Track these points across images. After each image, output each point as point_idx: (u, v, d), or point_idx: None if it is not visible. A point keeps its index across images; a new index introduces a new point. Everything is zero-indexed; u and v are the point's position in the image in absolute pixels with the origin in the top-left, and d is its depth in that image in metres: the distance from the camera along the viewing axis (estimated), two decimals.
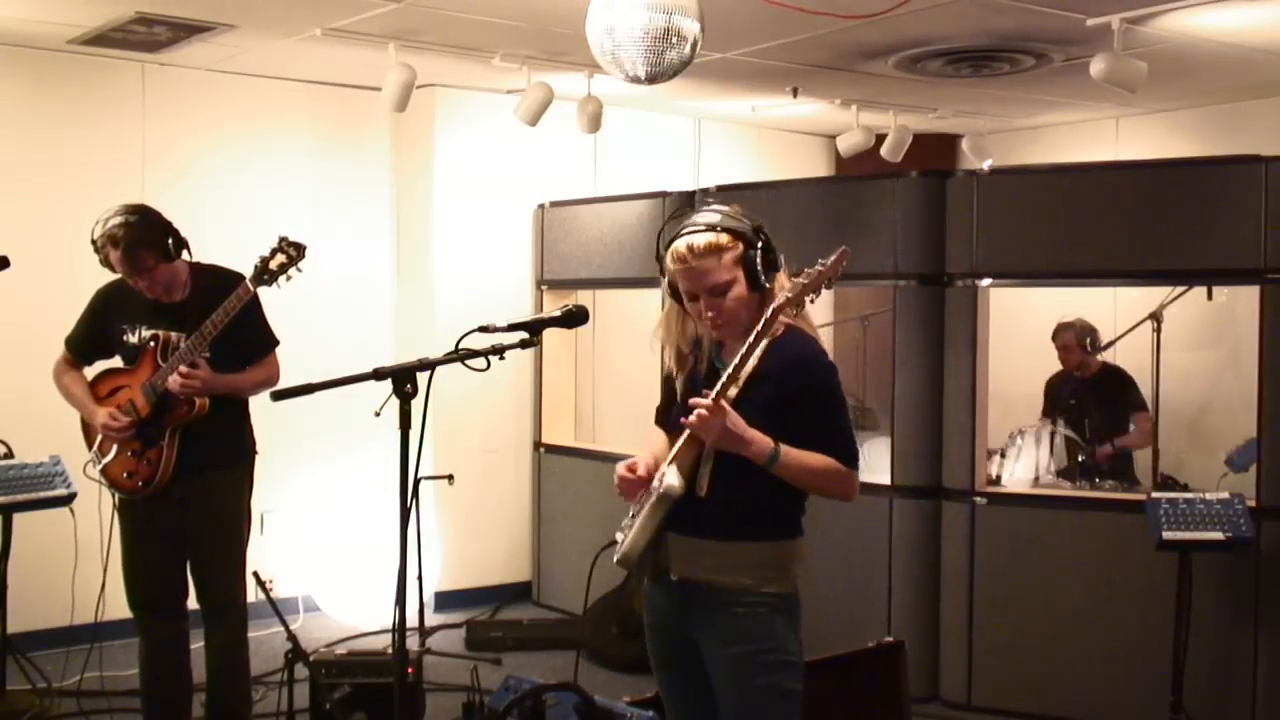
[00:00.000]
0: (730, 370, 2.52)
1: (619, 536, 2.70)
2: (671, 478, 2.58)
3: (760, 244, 2.61)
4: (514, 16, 4.94)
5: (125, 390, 3.89)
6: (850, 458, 2.62)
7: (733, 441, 2.52)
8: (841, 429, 2.64)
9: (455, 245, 6.42)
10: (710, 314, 2.61)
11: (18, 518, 4.56)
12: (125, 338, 3.92)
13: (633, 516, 2.68)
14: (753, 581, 2.60)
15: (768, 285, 2.60)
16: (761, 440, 2.53)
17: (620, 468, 2.72)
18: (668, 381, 2.84)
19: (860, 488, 2.69)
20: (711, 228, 2.60)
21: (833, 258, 2.50)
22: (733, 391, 2.54)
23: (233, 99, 6.06)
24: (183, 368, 3.72)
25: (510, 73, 5.82)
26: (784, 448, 2.53)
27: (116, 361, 4.00)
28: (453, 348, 2.71)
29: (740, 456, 2.54)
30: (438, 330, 6.22)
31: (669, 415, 2.82)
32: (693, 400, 2.53)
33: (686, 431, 2.58)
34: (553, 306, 6.00)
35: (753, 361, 2.54)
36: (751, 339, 2.51)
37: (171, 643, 4.02)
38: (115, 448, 3.90)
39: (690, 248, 2.59)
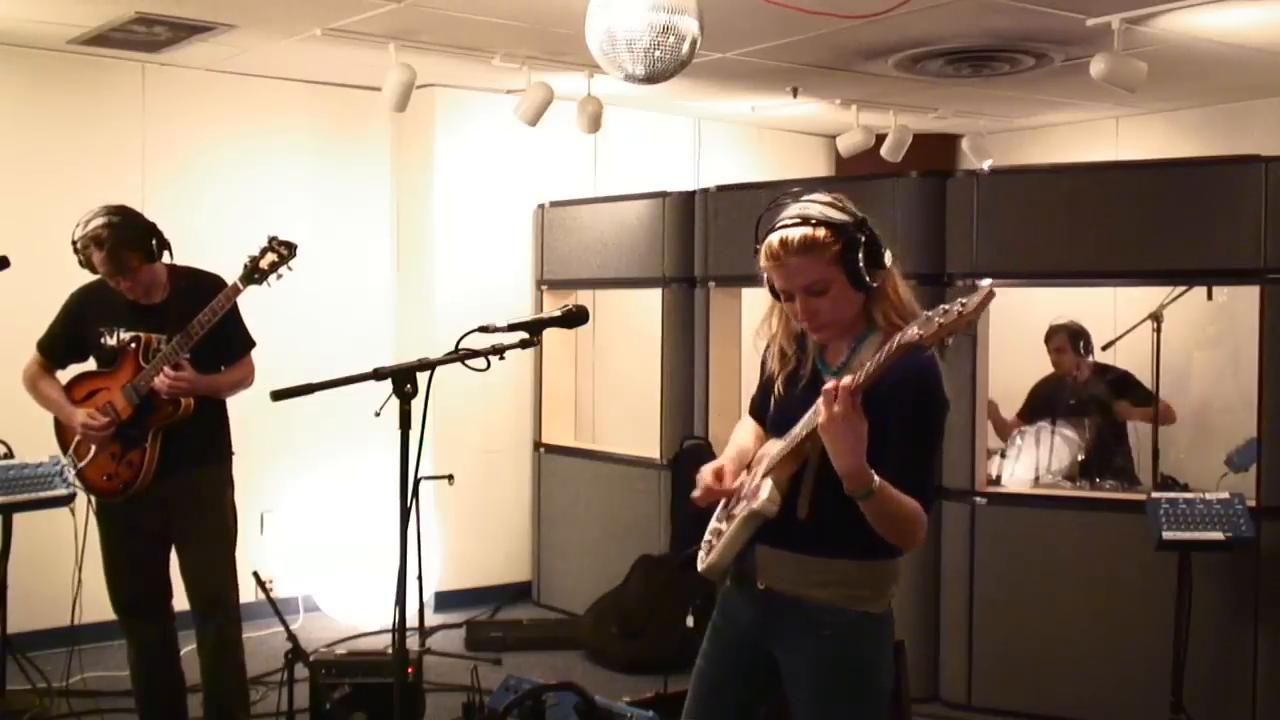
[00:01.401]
0: (860, 378, 2.19)
1: (709, 539, 2.51)
2: (766, 495, 2.34)
3: (864, 239, 2.36)
4: (514, 16, 4.94)
5: (103, 393, 3.87)
6: (930, 501, 2.37)
7: (847, 450, 2.21)
8: (928, 467, 2.41)
9: (455, 245, 6.42)
10: (805, 315, 2.40)
11: (18, 518, 4.56)
12: (103, 340, 3.90)
13: (717, 520, 2.53)
14: (846, 600, 2.41)
15: (874, 284, 2.37)
16: (867, 467, 2.23)
17: (707, 474, 2.52)
18: (764, 371, 2.65)
19: None
20: (808, 221, 2.36)
21: (977, 299, 2.06)
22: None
23: (233, 99, 6.06)
24: (168, 369, 3.72)
25: (510, 73, 5.82)
26: (882, 483, 2.25)
27: (90, 365, 3.98)
28: (453, 348, 2.70)
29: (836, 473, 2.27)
30: (438, 330, 6.22)
31: (763, 409, 2.64)
32: (831, 381, 2.21)
33: (788, 439, 2.38)
34: (553, 306, 6.01)
35: (872, 369, 2.21)
36: (872, 369, 2.18)
37: (159, 645, 4.02)
38: (93, 450, 3.88)
39: (784, 242, 2.36)
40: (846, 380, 2.19)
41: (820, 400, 2.23)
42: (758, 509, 2.35)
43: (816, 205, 2.39)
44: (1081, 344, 6.03)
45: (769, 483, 2.36)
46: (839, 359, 2.45)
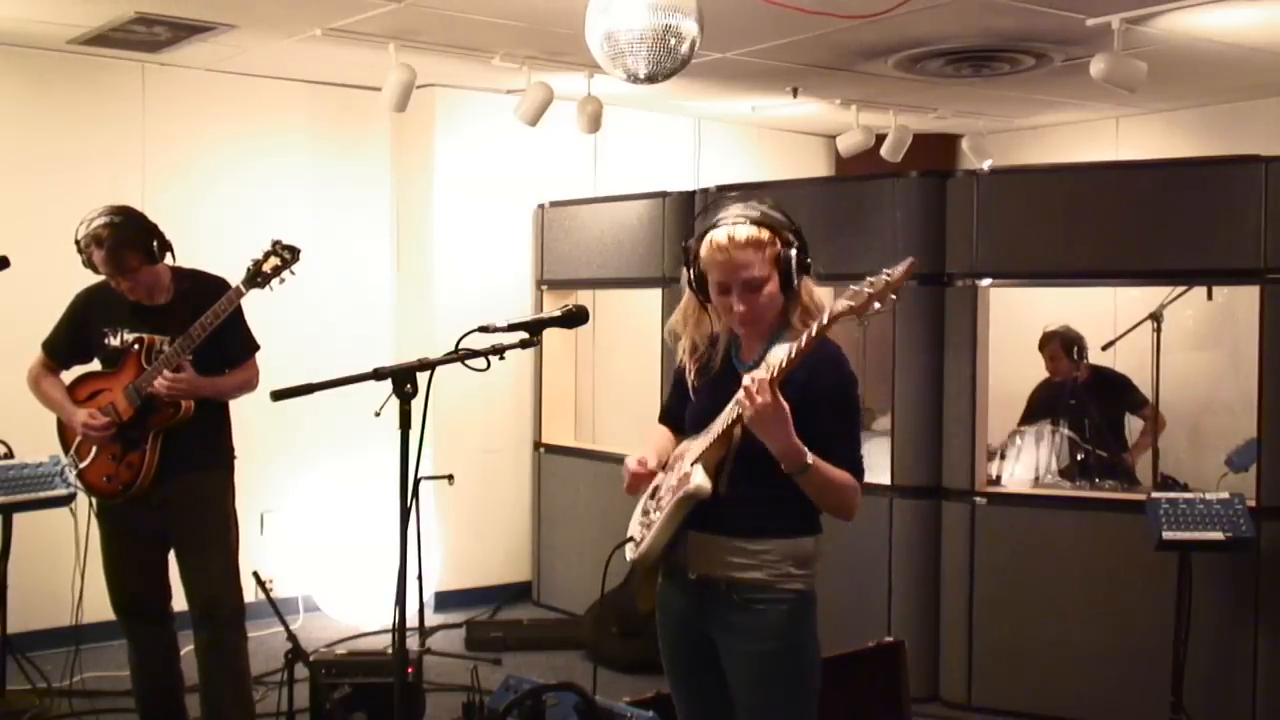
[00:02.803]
0: (777, 368, 2.40)
1: (635, 534, 2.66)
2: (699, 478, 2.51)
3: (797, 245, 2.56)
4: (514, 16, 4.94)
5: (105, 393, 3.87)
6: (860, 472, 2.58)
7: (779, 434, 2.42)
8: (855, 440, 2.60)
9: (455, 245, 6.42)
10: (741, 308, 2.54)
11: (18, 518, 4.56)
12: (106, 341, 3.90)
13: (644, 514, 2.65)
14: (773, 579, 2.56)
15: (796, 286, 2.55)
16: (799, 445, 2.44)
17: (631, 462, 2.68)
18: (679, 379, 2.80)
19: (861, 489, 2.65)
20: (754, 221, 2.54)
21: (901, 267, 2.31)
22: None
23: (233, 99, 6.06)
24: (168, 371, 3.72)
25: (510, 73, 5.82)
26: (816, 459, 2.46)
27: (94, 366, 3.98)
28: (453, 348, 2.70)
29: (761, 454, 2.46)
30: (438, 330, 6.22)
31: (677, 413, 2.78)
32: (752, 375, 2.41)
33: (712, 431, 2.54)
34: (553, 306, 6.00)
35: (787, 361, 2.42)
36: (802, 344, 2.38)
37: (158, 647, 4.02)
38: (94, 451, 3.88)
39: (731, 238, 2.52)
40: (761, 373, 2.40)
41: (741, 393, 2.42)
42: (691, 490, 2.51)
43: (755, 209, 2.57)
44: (1075, 350, 6.02)
45: (699, 467, 2.52)
46: (753, 354, 2.61)
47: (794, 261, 2.54)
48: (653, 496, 2.69)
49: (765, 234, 2.53)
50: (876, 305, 2.32)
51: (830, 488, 2.51)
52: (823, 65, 5.80)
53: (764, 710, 2.59)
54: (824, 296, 2.62)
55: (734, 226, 2.54)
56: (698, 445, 2.59)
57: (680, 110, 7.13)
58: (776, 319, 2.58)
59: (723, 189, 5.70)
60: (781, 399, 2.40)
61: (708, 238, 2.57)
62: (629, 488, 2.70)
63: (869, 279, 2.32)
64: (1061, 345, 6.04)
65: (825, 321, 2.37)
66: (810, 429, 2.47)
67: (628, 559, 2.67)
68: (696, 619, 2.66)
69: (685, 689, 2.78)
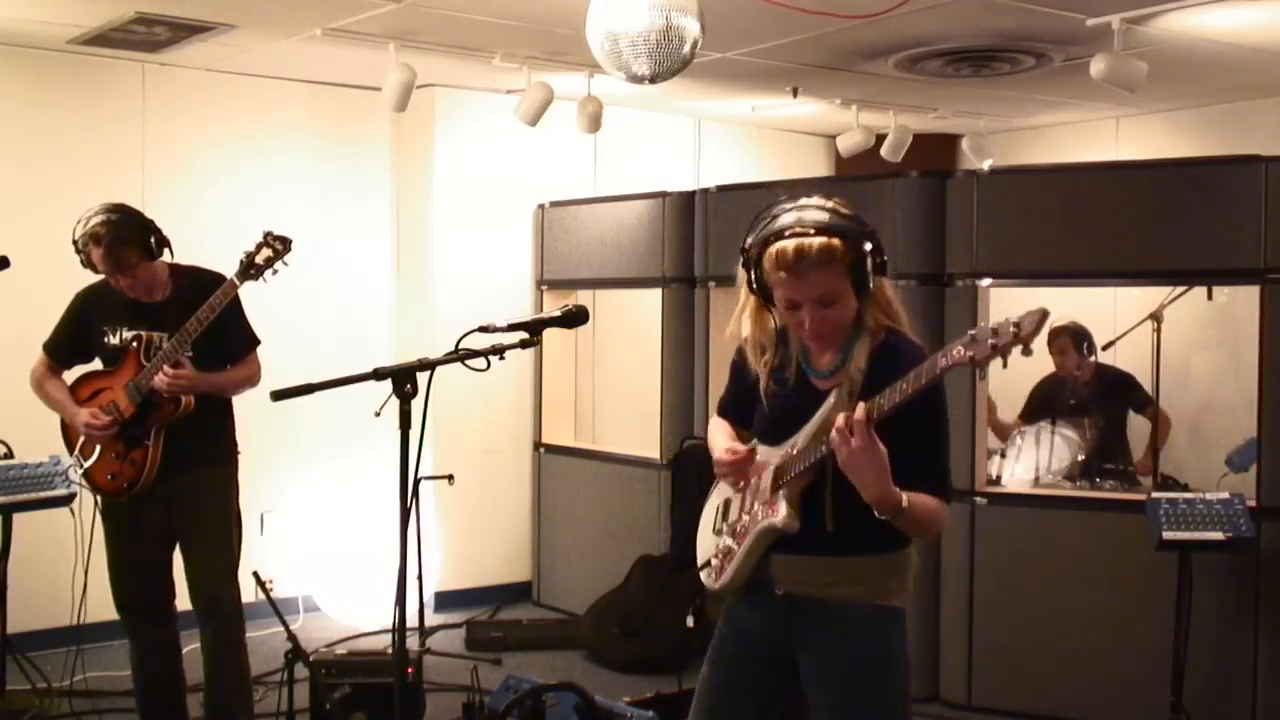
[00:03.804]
0: (876, 409, 2.21)
1: (712, 560, 2.53)
2: (785, 515, 2.36)
3: (871, 245, 2.35)
4: (514, 16, 4.94)
5: (107, 392, 3.87)
6: (949, 491, 2.41)
7: (873, 481, 2.22)
8: (945, 457, 2.43)
9: (455, 245, 6.42)
10: (813, 326, 2.35)
11: (18, 518, 4.56)
12: (106, 339, 3.90)
13: (716, 533, 2.53)
14: (871, 595, 2.41)
15: (872, 289, 2.36)
16: (895, 492, 2.24)
17: (722, 452, 2.53)
18: (738, 375, 2.64)
19: None
20: (824, 230, 2.30)
21: (1033, 321, 2.03)
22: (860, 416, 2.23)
23: (233, 99, 6.06)
24: (168, 367, 3.72)
25: (510, 73, 5.82)
26: (910, 498, 2.27)
27: (96, 365, 3.98)
28: (453, 348, 2.70)
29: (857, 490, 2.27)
30: (438, 330, 6.22)
31: (735, 410, 2.67)
32: (844, 418, 2.22)
33: (795, 455, 2.38)
34: (553, 306, 6.01)
35: (897, 398, 2.21)
36: (907, 387, 2.17)
37: (161, 645, 4.02)
38: (98, 450, 3.88)
39: (802, 254, 2.29)
40: (859, 414, 2.20)
41: (835, 434, 2.23)
42: (780, 526, 2.36)
43: (824, 213, 2.34)
44: (1085, 345, 6.04)
45: (784, 503, 2.37)
46: (828, 362, 2.44)
47: (868, 268, 2.33)
48: (725, 515, 2.56)
49: (838, 242, 2.30)
50: (1000, 361, 2.09)
51: (922, 523, 2.34)
52: (823, 65, 5.80)
53: None
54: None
55: (803, 239, 2.29)
56: (776, 463, 2.43)
57: (680, 110, 7.13)
58: (851, 324, 2.40)
59: (723, 189, 5.70)
60: (879, 442, 2.20)
61: (773, 248, 2.33)
62: (723, 475, 2.55)
63: (988, 325, 2.08)
64: (1072, 340, 6.05)
65: (940, 369, 2.14)
66: (899, 448, 2.26)
67: (707, 588, 2.55)
68: (779, 638, 2.49)
69: (730, 705, 2.57)
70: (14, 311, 5.26)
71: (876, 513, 2.26)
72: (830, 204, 2.37)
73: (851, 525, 2.35)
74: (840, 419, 2.22)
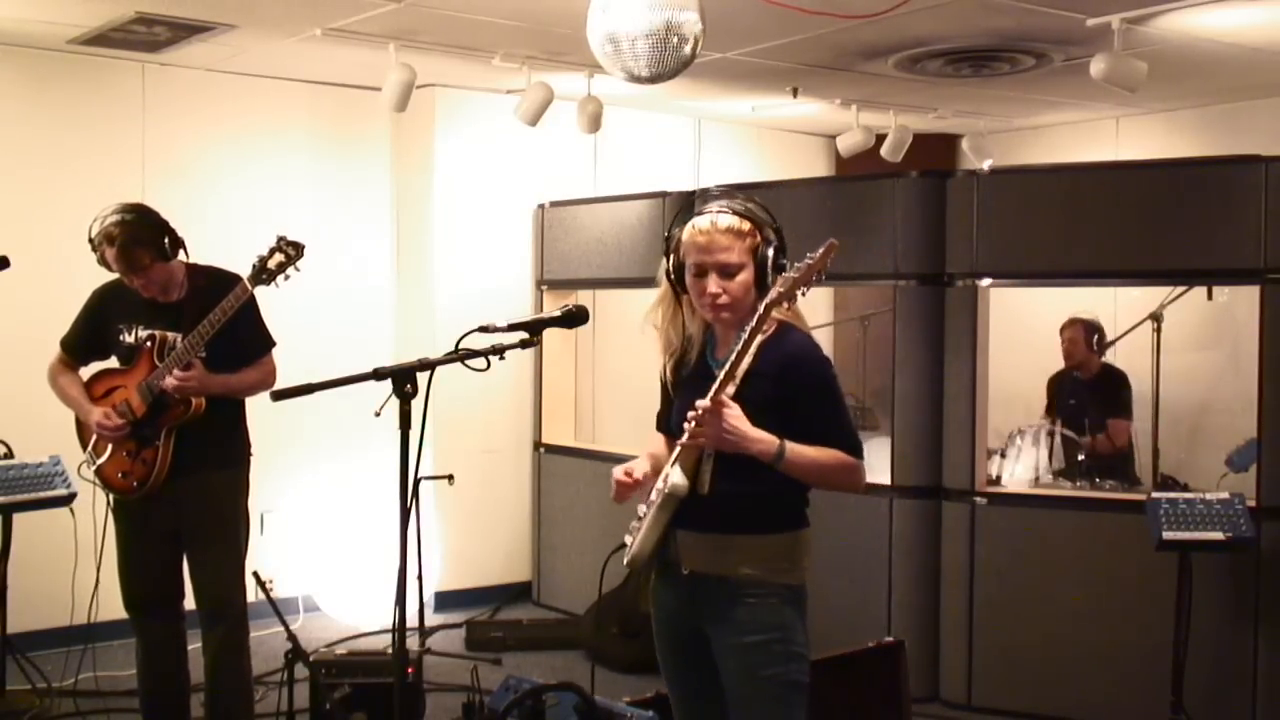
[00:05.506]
0: (726, 368, 2.52)
1: (627, 539, 2.71)
2: (676, 478, 2.59)
3: (775, 244, 2.64)
4: (514, 16, 4.95)
5: (121, 390, 3.88)
6: (855, 448, 2.64)
7: (734, 443, 2.53)
8: (843, 421, 2.67)
9: (455, 245, 6.42)
10: (715, 291, 2.61)
11: (18, 518, 4.56)
12: (121, 338, 3.91)
13: (640, 519, 2.69)
14: (764, 573, 2.61)
15: (770, 284, 2.59)
16: (766, 439, 2.54)
17: (617, 471, 2.73)
18: (664, 384, 2.85)
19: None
20: (737, 212, 2.63)
21: (820, 250, 2.49)
22: (730, 389, 2.54)
23: (233, 99, 6.06)
24: (177, 369, 3.72)
25: (510, 73, 5.82)
26: (789, 444, 2.54)
27: (112, 362, 3.99)
28: (453, 348, 2.71)
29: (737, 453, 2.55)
30: (438, 330, 6.22)
31: (669, 419, 2.82)
32: (698, 403, 2.52)
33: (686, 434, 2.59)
34: (553, 306, 6.00)
35: (748, 359, 2.55)
36: (746, 334, 2.52)
37: (167, 644, 4.02)
38: (110, 448, 3.89)
39: (713, 222, 2.62)
40: (705, 402, 2.51)
41: (690, 424, 2.53)
42: (670, 491, 2.60)
43: (742, 204, 2.66)
44: (1096, 338, 6.04)
45: (677, 468, 2.61)
46: (727, 353, 2.62)
47: (770, 259, 2.61)
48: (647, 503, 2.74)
49: (746, 225, 2.62)
50: (801, 290, 2.50)
51: (817, 466, 2.59)
52: (823, 65, 5.80)
53: (754, 701, 2.62)
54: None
55: (717, 215, 2.63)
56: (677, 448, 2.65)
57: (680, 110, 7.13)
58: (748, 315, 2.59)
59: (723, 189, 5.69)
60: (729, 403, 2.51)
61: (690, 224, 2.66)
62: (616, 497, 2.74)
63: (795, 264, 2.51)
64: (1083, 331, 6.05)
65: (761, 310, 2.50)
66: (795, 422, 2.57)
67: (624, 563, 2.72)
68: (690, 614, 2.70)
69: (680, 684, 2.81)
70: (14, 311, 5.27)
71: (764, 461, 2.53)
72: (752, 200, 2.70)
73: (736, 495, 2.60)
74: (691, 410, 2.53)
